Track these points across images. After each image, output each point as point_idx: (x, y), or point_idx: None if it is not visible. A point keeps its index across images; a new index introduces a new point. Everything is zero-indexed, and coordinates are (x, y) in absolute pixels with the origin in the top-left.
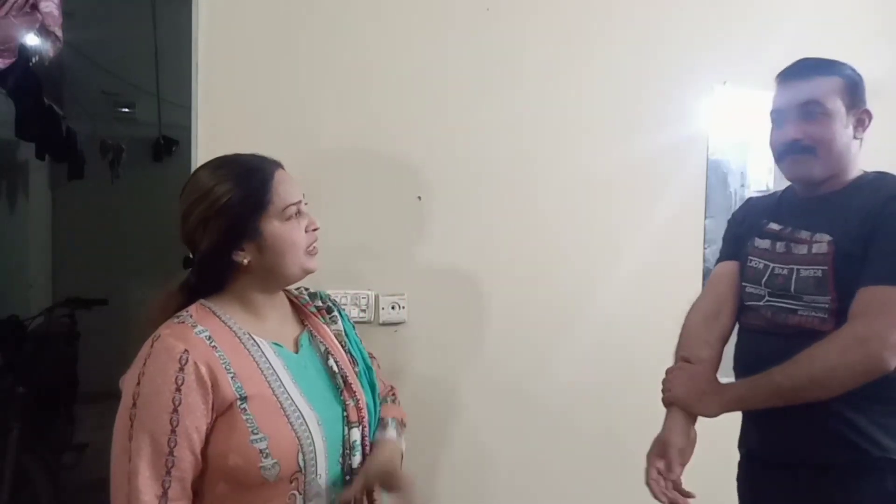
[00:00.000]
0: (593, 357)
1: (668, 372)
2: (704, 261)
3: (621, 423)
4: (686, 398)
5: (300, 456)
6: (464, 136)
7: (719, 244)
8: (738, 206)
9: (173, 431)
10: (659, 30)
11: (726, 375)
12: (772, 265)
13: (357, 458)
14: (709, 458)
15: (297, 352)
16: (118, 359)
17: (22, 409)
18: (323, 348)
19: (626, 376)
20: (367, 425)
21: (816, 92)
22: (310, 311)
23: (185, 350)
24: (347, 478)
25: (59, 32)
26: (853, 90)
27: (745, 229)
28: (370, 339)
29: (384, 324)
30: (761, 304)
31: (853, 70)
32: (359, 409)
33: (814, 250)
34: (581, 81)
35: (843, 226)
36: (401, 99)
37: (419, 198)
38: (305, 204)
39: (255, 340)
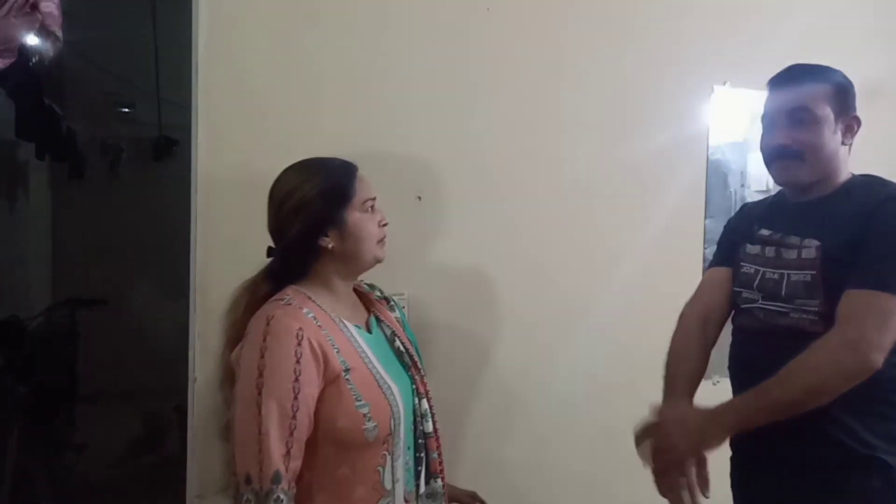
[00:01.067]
0: (593, 357)
1: (654, 431)
2: (704, 261)
3: (621, 422)
4: (691, 448)
5: (392, 420)
6: (464, 135)
7: None
8: (735, 209)
9: (295, 398)
10: (659, 30)
11: (721, 375)
12: (763, 269)
13: (429, 425)
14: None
15: (370, 333)
16: (118, 359)
17: (22, 409)
18: (389, 331)
19: (626, 376)
20: (431, 397)
21: (806, 98)
22: (373, 298)
23: (300, 328)
24: (420, 441)
25: (59, 32)
26: (843, 97)
27: (738, 236)
28: None
29: None
30: (755, 306)
31: (844, 77)
32: (424, 383)
33: (803, 255)
34: (581, 81)
35: (831, 231)
36: (401, 99)
37: (419, 198)
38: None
39: (343, 322)
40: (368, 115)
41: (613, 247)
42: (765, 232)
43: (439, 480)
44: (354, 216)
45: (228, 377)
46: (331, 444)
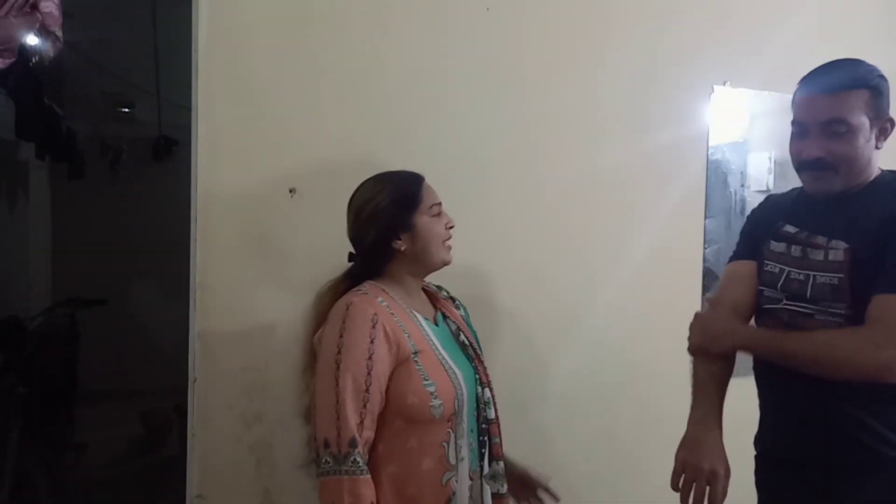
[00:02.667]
0: (593, 356)
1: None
2: (704, 261)
3: (621, 422)
4: (703, 341)
5: (456, 401)
6: (464, 136)
7: (719, 244)
8: (735, 209)
9: (369, 374)
10: (659, 30)
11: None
12: (787, 269)
13: (491, 412)
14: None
15: (437, 326)
16: (118, 359)
17: (22, 409)
18: (454, 326)
19: (625, 376)
20: (492, 388)
21: (842, 109)
22: (440, 297)
23: (375, 313)
24: (483, 426)
25: (59, 32)
26: (878, 100)
27: (761, 230)
28: None
29: None
30: (778, 307)
31: (880, 75)
32: (486, 374)
33: (830, 257)
34: (581, 81)
35: (860, 232)
36: (401, 99)
37: None
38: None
39: (413, 312)
40: (368, 115)
41: (613, 247)
42: (790, 229)
43: (501, 463)
44: (423, 220)
45: (311, 364)
46: (401, 419)
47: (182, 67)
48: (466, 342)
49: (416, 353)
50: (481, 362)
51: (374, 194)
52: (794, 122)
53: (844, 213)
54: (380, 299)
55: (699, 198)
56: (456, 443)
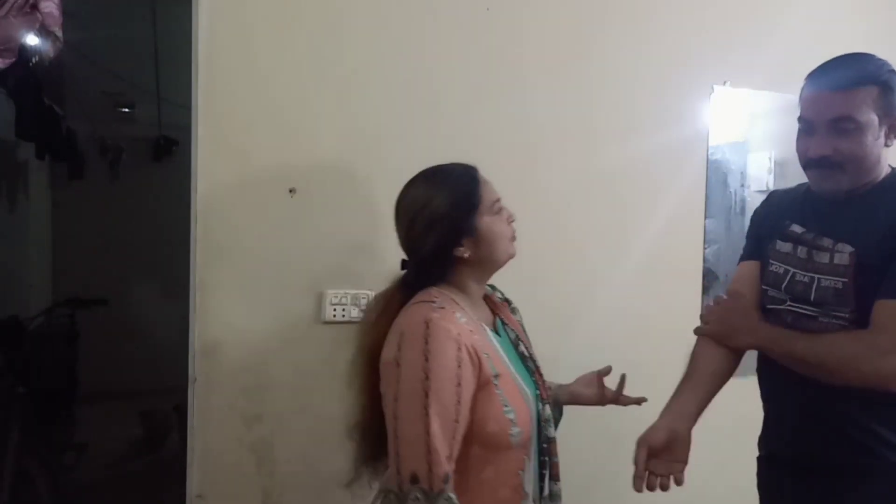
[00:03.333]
0: (593, 356)
1: (708, 306)
2: (704, 261)
3: (622, 422)
4: (718, 332)
5: (531, 425)
6: (464, 136)
7: (719, 244)
8: (735, 209)
9: (458, 402)
10: (659, 30)
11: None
12: (792, 270)
13: (551, 430)
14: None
15: (498, 335)
16: (118, 359)
17: (22, 409)
18: (513, 335)
19: (626, 375)
20: (551, 402)
21: (849, 106)
22: (496, 300)
23: (459, 333)
24: (545, 445)
25: (59, 32)
26: (888, 97)
27: (766, 229)
28: None
29: None
30: (782, 308)
31: (891, 70)
32: (545, 388)
33: (835, 260)
34: (581, 81)
35: (866, 236)
36: (401, 99)
37: None
38: None
39: (484, 327)
40: (368, 115)
41: (613, 246)
42: (797, 229)
43: (558, 483)
44: (484, 221)
45: (361, 380)
46: (479, 447)
47: (182, 67)
48: (526, 353)
49: (496, 376)
50: (541, 375)
51: (428, 198)
52: (800, 119)
53: (851, 214)
54: (458, 315)
55: (699, 198)
56: (529, 468)
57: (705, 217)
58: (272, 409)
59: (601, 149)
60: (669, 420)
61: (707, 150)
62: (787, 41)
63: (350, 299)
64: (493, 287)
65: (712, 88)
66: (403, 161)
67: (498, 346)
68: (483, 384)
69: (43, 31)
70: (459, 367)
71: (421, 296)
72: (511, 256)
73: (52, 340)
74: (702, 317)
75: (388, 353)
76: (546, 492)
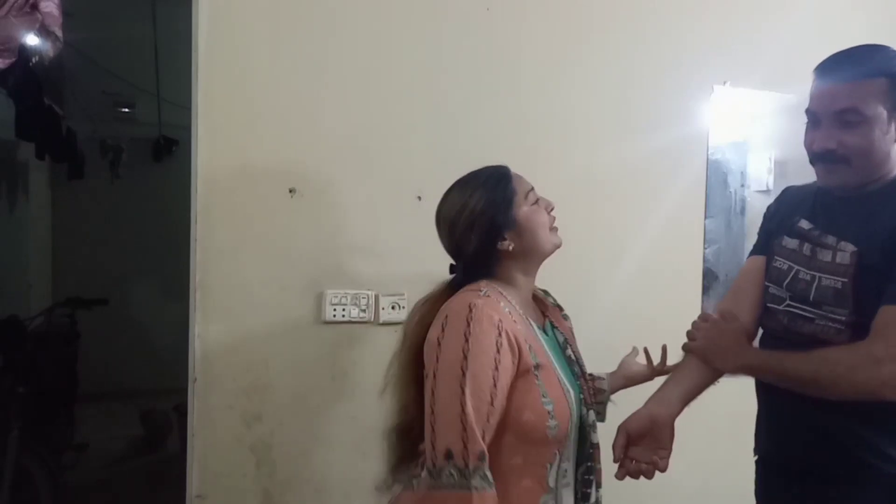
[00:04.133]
0: (593, 356)
1: (695, 322)
2: (704, 261)
3: (622, 421)
4: (706, 350)
5: (570, 423)
6: (464, 135)
7: (719, 244)
8: (735, 209)
9: (494, 386)
10: (659, 30)
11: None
12: (796, 268)
13: (595, 436)
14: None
15: (547, 335)
16: (118, 359)
17: (22, 409)
18: (562, 338)
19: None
20: (595, 410)
21: (854, 98)
22: (549, 304)
23: (500, 319)
24: (591, 451)
25: (59, 32)
26: None
27: (775, 224)
28: (370, 339)
29: (384, 324)
30: (780, 307)
31: None
32: (591, 394)
33: (837, 259)
34: (581, 81)
35: (870, 235)
36: (401, 99)
37: (419, 198)
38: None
39: (530, 320)
40: (368, 115)
41: (613, 246)
42: (805, 225)
43: (600, 491)
44: (523, 211)
45: (405, 377)
46: (511, 434)
47: (182, 67)
48: (573, 357)
49: (537, 366)
50: (587, 381)
51: (465, 201)
52: (807, 112)
53: (857, 212)
54: (502, 304)
55: (699, 198)
56: (560, 466)
57: (705, 217)
58: (272, 409)
59: (601, 149)
60: (651, 407)
61: (707, 150)
62: (787, 41)
63: (350, 299)
64: (546, 292)
65: (712, 88)
66: (403, 161)
67: (543, 341)
68: (522, 372)
69: (43, 31)
70: (498, 351)
71: (469, 286)
72: (556, 246)
73: (52, 340)
74: (689, 333)
75: (432, 334)
76: (592, 499)
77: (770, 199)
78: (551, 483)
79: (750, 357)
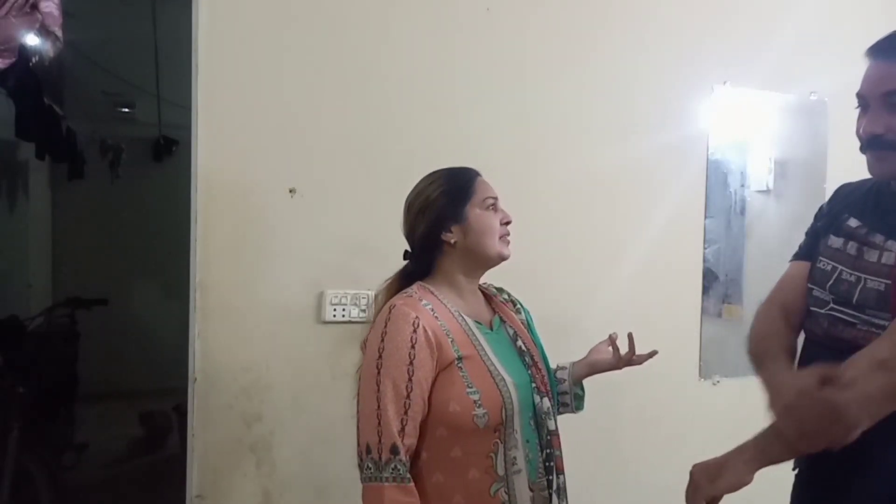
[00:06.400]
0: None
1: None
2: (704, 261)
3: (622, 422)
4: (710, 486)
5: (503, 411)
6: (464, 135)
7: (719, 244)
8: (735, 209)
9: (410, 380)
10: (659, 30)
11: (722, 374)
12: (840, 268)
13: (552, 423)
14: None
15: (492, 330)
16: (118, 359)
17: (22, 409)
18: (512, 331)
19: (626, 376)
20: (552, 397)
21: None
22: (499, 301)
23: (417, 317)
24: (549, 438)
25: (59, 32)
26: None
27: (824, 224)
28: None
29: None
30: (823, 311)
31: None
32: (545, 382)
33: (883, 259)
34: (581, 81)
35: None
36: (401, 99)
37: None
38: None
39: (462, 315)
40: (368, 115)
41: (613, 246)
42: (853, 223)
43: (562, 476)
44: (475, 213)
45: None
46: (444, 427)
47: (182, 67)
48: (524, 348)
49: (459, 358)
50: (539, 370)
51: (425, 187)
52: (857, 95)
53: None
54: (424, 302)
55: (699, 198)
56: (506, 454)
57: (705, 217)
58: (272, 409)
59: (601, 149)
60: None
61: (707, 150)
62: (787, 41)
63: (350, 299)
64: (500, 289)
65: (712, 88)
66: (403, 161)
67: (479, 335)
68: (445, 365)
69: (43, 31)
70: (413, 347)
71: (404, 290)
72: (501, 256)
73: (52, 340)
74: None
75: (363, 339)
76: (554, 486)
77: (770, 199)
78: (500, 471)
79: (752, 444)
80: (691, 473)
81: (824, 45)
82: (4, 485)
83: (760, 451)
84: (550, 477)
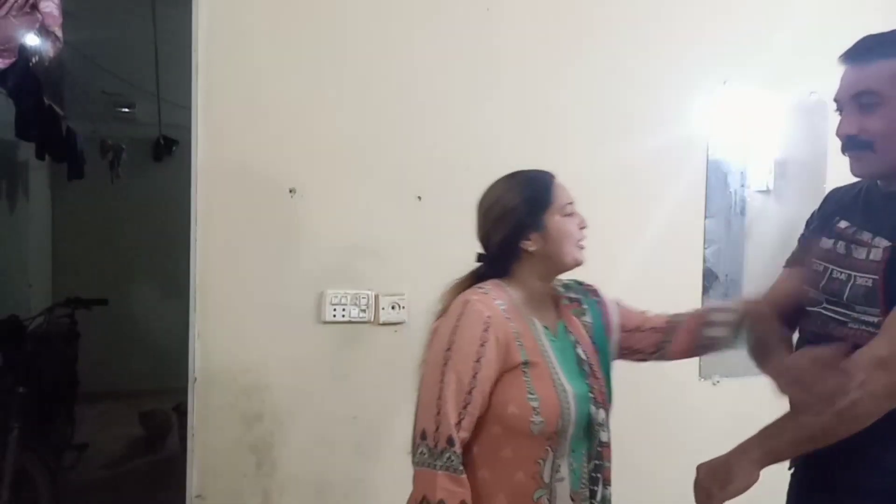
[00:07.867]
0: None
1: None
2: (704, 261)
3: (622, 423)
4: (716, 487)
5: (560, 421)
6: (464, 135)
7: (719, 244)
8: (735, 209)
9: (474, 377)
10: (659, 30)
11: (721, 374)
12: (831, 267)
13: (605, 435)
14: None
15: (556, 337)
16: (118, 359)
17: (22, 409)
18: (573, 339)
19: (625, 376)
20: (608, 408)
21: (872, 79)
22: (563, 303)
23: (489, 316)
24: (599, 450)
25: (59, 32)
26: None
27: (816, 228)
28: (370, 340)
29: (384, 324)
30: (815, 310)
31: None
32: (602, 392)
33: (871, 256)
34: (581, 81)
35: None
36: (401, 99)
37: (419, 198)
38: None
39: (532, 319)
40: (368, 115)
41: (613, 246)
42: (843, 224)
43: (609, 489)
44: (554, 220)
45: None
46: (499, 425)
47: (182, 67)
48: (583, 357)
49: (525, 363)
50: (597, 379)
51: (503, 193)
52: (834, 100)
53: (894, 206)
54: (498, 302)
55: (699, 198)
56: (554, 462)
57: (705, 217)
58: (272, 409)
59: (601, 149)
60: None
61: (707, 150)
62: (786, 41)
63: (350, 299)
64: (567, 285)
65: (712, 88)
66: (403, 161)
67: (546, 341)
68: (510, 367)
69: (43, 31)
70: (482, 345)
71: (479, 285)
72: (577, 262)
73: (52, 340)
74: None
75: (433, 324)
76: (598, 497)
77: (770, 199)
78: (545, 478)
79: (757, 442)
80: (697, 477)
81: (824, 45)
82: (4, 485)
83: (766, 450)
84: (595, 487)
